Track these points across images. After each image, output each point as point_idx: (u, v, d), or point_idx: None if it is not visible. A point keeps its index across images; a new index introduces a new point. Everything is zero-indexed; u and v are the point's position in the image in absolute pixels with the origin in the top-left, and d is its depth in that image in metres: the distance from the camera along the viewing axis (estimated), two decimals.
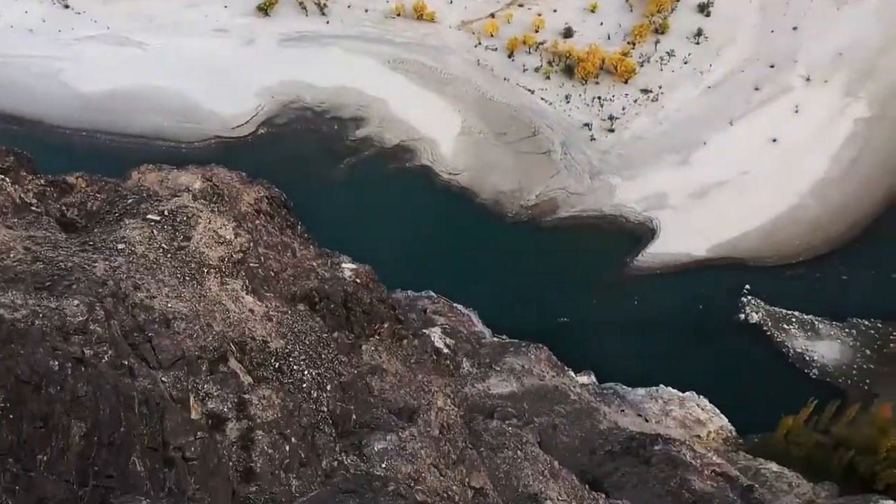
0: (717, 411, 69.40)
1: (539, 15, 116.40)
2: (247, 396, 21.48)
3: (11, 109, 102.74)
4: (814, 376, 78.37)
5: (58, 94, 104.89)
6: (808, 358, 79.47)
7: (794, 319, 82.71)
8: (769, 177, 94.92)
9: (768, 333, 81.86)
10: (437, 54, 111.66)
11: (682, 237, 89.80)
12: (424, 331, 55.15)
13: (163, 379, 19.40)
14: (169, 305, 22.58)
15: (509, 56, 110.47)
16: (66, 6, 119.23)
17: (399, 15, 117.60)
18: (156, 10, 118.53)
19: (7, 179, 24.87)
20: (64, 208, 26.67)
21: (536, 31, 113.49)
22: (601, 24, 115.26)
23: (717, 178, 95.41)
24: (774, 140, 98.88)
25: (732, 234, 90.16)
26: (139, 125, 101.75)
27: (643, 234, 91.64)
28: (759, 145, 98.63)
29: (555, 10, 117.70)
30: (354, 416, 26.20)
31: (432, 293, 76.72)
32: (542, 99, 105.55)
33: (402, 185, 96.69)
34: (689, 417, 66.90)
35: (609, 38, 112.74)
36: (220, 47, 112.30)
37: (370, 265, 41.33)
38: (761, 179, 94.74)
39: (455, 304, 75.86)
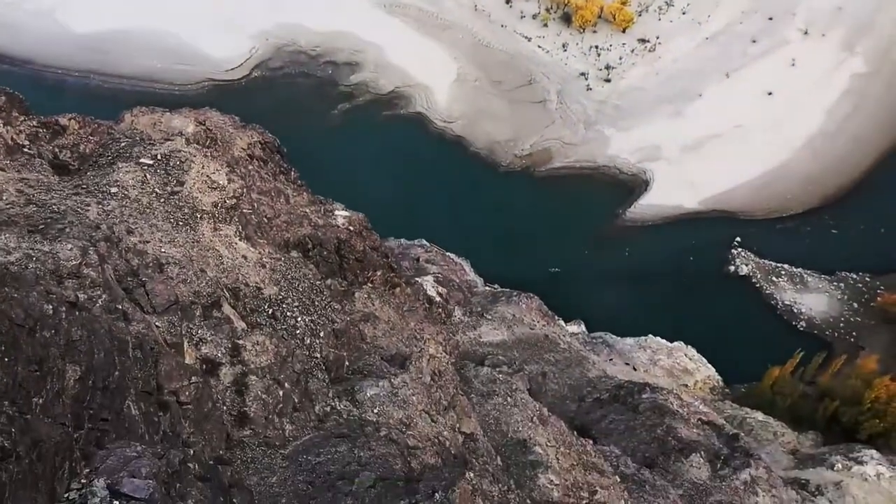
0: (705, 361, 70.21)
1: None
2: (240, 342, 21.51)
3: (2, 48, 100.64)
4: (801, 328, 79.28)
5: (50, 33, 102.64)
6: (796, 310, 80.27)
7: (783, 272, 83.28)
8: (763, 130, 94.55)
9: (757, 285, 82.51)
10: None
11: (675, 189, 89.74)
12: (417, 279, 55.22)
13: (157, 324, 19.38)
14: (162, 250, 22.44)
15: (507, 2, 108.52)
16: None
17: None
18: None
19: None
20: (57, 150, 26.28)
21: None
22: None
23: (711, 131, 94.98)
24: (770, 93, 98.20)
25: (725, 186, 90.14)
26: (132, 66, 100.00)
27: (636, 185, 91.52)
28: (754, 98, 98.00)
29: None
30: (347, 363, 26.34)
31: (425, 241, 76.65)
32: (539, 47, 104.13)
33: (395, 133, 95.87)
34: (676, 367, 67.68)
35: None
36: None
37: (363, 212, 41.11)
38: (755, 132, 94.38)
39: (448, 253, 75.85)
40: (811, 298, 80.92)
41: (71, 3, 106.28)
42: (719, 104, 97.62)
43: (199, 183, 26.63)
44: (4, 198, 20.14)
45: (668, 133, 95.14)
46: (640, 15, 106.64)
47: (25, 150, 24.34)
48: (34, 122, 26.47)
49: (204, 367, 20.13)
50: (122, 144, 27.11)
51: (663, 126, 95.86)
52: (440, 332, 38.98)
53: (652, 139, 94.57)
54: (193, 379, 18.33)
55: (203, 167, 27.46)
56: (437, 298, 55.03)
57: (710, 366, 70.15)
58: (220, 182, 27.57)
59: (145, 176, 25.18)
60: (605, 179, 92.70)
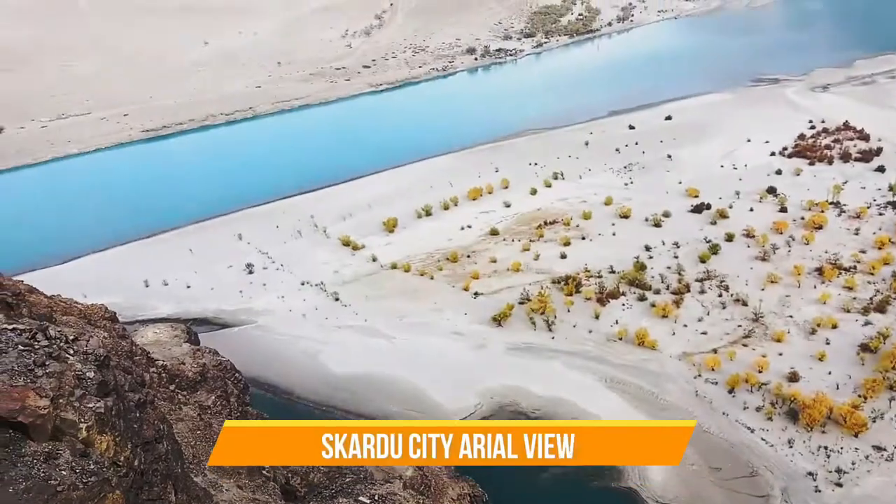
0: None
1: (763, 356, 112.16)
2: None
3: (272, 378, 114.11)
4: None
5: (311, 371, 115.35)
6: None
7: None
8: None
9: None
10: (654, 380, 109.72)
11: None
12: None
13: None
14: None
15: (729, 392, 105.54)
16: (337, 299, 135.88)
17: (621, 339, 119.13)
18: (408, 311, 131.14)
19: None
20: (289, 476, 27.77)
21: (759, 372, 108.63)
22: (829, 373, 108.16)
23: None
24: None
25: None
26: (371, 407, 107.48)
27: None
28: None
29: (780, 354, 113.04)
30: None
31: None
32: (763, 440, 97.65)
33: None
34: None
35: (837, 387, 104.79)
36: (455, 348, 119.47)
37: None
38: None
39: None
40: None
41: (333, 347, 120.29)
42: None
43: None
44: None
45: None
46: (874, 421, 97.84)
47: (264, 472, 25.95)
48: None
49: None
50: (347, 480, 28.09)
51: None
52: None
53: None
54: None
55: None
56: None
57: None
58: None
59: None
60: None
